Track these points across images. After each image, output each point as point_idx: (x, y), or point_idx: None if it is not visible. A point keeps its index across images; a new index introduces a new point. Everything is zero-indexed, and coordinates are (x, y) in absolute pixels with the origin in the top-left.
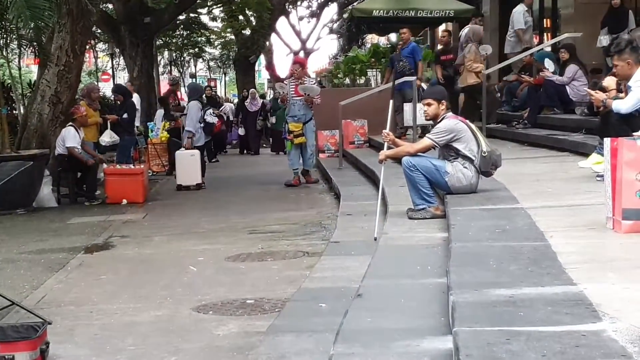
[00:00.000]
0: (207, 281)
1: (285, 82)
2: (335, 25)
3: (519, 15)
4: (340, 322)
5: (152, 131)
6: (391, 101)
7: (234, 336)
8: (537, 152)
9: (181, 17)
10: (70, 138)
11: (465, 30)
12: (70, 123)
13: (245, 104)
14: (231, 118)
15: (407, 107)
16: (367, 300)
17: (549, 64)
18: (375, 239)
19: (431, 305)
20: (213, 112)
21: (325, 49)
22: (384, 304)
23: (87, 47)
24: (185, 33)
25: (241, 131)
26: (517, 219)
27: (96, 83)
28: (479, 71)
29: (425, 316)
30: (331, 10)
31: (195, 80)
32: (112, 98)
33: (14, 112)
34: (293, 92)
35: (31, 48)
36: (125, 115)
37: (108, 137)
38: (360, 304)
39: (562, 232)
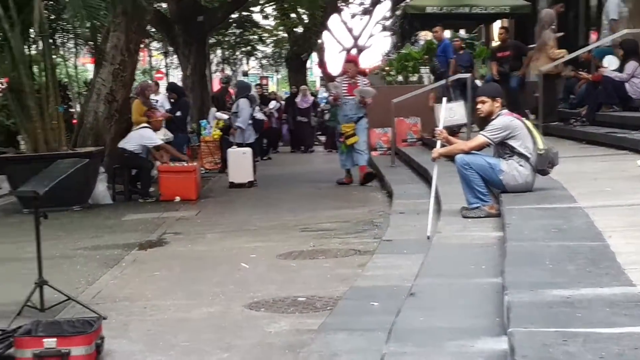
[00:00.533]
0: (259, 278)
1: (337, 80)
2: (388, 23)
3: (614, 5)
4: (393, 321)
5: (204, 129)
6: (444, 99)
7: (285, 334)
8: (595, 150)
9: (234, 16)
10: (153, 136)
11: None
12: (146, 125)
13: (296, 100)
14: (275, 115)
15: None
16: (420, 299)
17: (610, 61)
18: (428, 238)
19: (485, 305)
20: (261, 110)
21: (377, 46)
22: (437, 303)
23: (142, 45)
24: (237, 31)
25: (285, 128)
26: (574, 218)
27: (150, 81)
28: (560, 57)
29: (479, 316)
30: (384, 7)
31: (247, 79)
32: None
33: (71, 110)
34: (345, 91)
35: (87, 47)
36: (178, 113)
37: (162, 135)
38: (413, 303)
39: (621, 231)
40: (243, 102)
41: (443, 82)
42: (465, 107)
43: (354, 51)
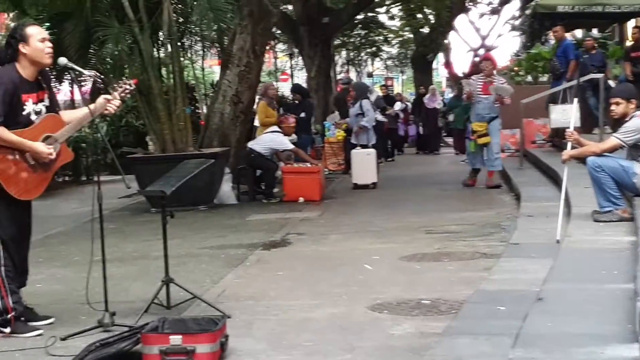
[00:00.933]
0: (382, 280)
1: (472, 78)
2: (517, 22)
3: None
4: (520, 325)
5: (328, 130)
6: (575, 99)
7: (409, 336)
8: None
9: (359, 17)
10: (285, 140)
11: None
12: (277, 129)
13: (424, 100)
14: (401, 116)
15: (557, 107)
16: (548, 304)
17: None
18: (558, 242)
19: (616, 311)
20: (383, 112)
21: (506, 46)
22: (566, 308)
23: (267, 47)
24: (362, 32)
25: (420, 129)
26: None
27: (274, 83)
28: None
29: (610, 322)
30: (513, 7)
31: (372, 80)
32: (290, 97)
33: (197, 111)
34: (480, 90)
35: (214, 49)
36: (302, 115)
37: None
38: (541, 307)
39: None
40: (367, 103)
41: (574, 82)
42: (578, 110)
43: (481, 51)
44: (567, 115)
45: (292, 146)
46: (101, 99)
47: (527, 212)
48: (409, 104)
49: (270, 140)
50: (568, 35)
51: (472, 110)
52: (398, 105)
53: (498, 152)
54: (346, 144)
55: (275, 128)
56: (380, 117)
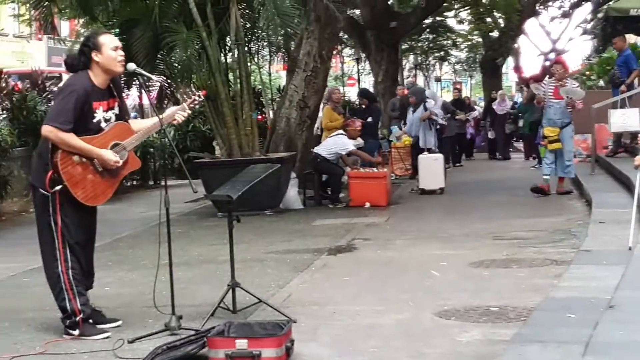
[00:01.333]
0: (450, 286)
1: (543, 83)
2: (588, 26)
3: None
4: (590, 333)
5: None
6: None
7: (476, 343)
8: None
9: (427, 21)
10: (348, 142)
11: None
12: (342, 132)
13: (493, 105)
14: (471, 122)
15: (616, 112)
16: (620, 312)
17: None
18: (630, 249)
19: None
20: (455, 116)
21: (577, 50)
22: (638, 316)
23: (334, 52)
24: (431, 36)
25: (490, 134)
26: None
27: (341, 88)
28: None
29: None
30: (584, 10)
31: (440, 84)
32: (356, 102)
33: (264, 116)
34: (551, 94)
35: (280, 54)
36: (369, 119)
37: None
38: (612, 315)
39: None
40: (430, 104)
41: (636, 91)
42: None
43: (552, 55)
44: (627, 119)
45: (353, 147)
46: (171, 109)
47: (598, 218)
48: (479, 109)
49: (333, 143)
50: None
51: (543, 115)
52: (475, 113)
53: (570, 159)
54: (413, 149)
55: (340, 131)
56: (441, 121)
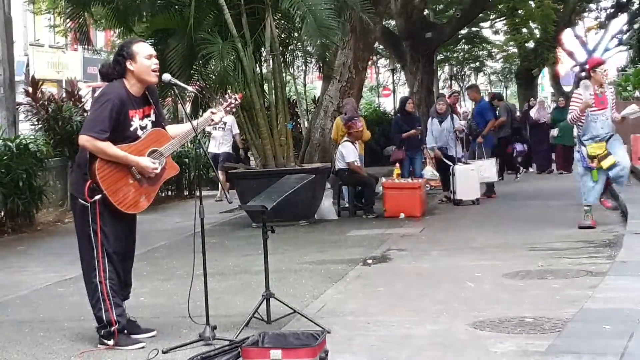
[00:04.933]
0: (484, 297)
1: (579, 92)
2: (624, 37)
3: None
4: (625, 345)
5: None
6: None
7: (511, 354)
8: None
9: (462, 32)
10: (349, 153)
11: None
12: (346, 138)
13: (531, 113)
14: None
15: None
16: None
17: None
18: None
19: None
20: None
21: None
22: None
23: (369, 63)
24: (466, 47)
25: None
26: None
27: (377, 99)
28: None
29: None
30: (620, 21)
31: None
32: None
33: (299, 126)
34: (593, 104)
35: (315, 65)
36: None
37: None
38: None
39: None
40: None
41: None
42: None
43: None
44: None
45: (351, 159)
46: (207, 113)
47: (634, 229)
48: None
49: (339, 154)
50: None
51: (585, 131)
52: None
53: (622, 166)
54: (439, 164)
55: (344, 139)
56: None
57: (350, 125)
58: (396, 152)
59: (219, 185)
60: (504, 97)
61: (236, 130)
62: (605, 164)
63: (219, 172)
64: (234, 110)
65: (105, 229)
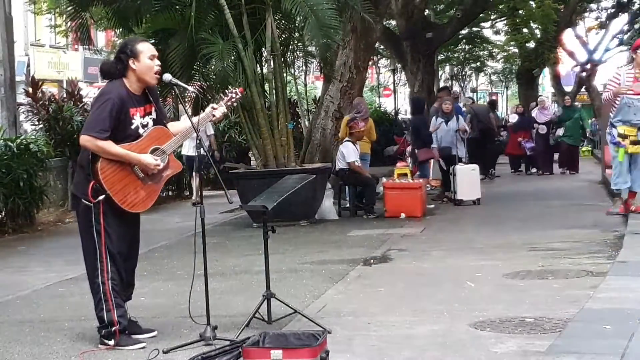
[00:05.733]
0: (485, 297)
1: (618, 73)
2: (625, 37)
3: None
4: (626, 345)
5: None
6: None
7: (512, 355)
8: None
9: (463, 32)
10: (350, 153)
11: None
12: (348, 138)
13: (533, 114)
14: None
15: None
16: None
17: None
18: None
19: None
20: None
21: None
22: None
23: (370, 63)
24: (467, 47)
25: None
26: None
27: (377, 99)
28: None
29: None
30: (621, 21)
31: (476, 95)
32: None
33: (299, 127)
34: (630, 88)
35: (316, 65)
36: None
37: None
38: None
39: None
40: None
41: None
42: None
43: (588, 66)
44: None
45: (352, 159)
46: (207, 109)
47: (635, 229)
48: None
49: (340, 154)
50: None
51: (617, 113)
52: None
53: None
54: (442, 160)
55: (346, 139)
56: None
57: (352, 125)
58: (426, 150)
59: (194, 188)
60: (506, 98)
61: (210, 132)
62: (631, 148)
63: (195, 174)
64: (235, 104)
65: (108, 229)
